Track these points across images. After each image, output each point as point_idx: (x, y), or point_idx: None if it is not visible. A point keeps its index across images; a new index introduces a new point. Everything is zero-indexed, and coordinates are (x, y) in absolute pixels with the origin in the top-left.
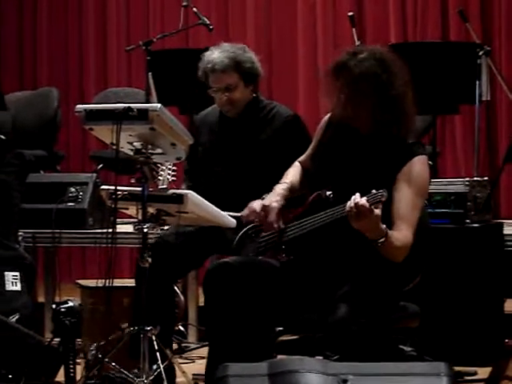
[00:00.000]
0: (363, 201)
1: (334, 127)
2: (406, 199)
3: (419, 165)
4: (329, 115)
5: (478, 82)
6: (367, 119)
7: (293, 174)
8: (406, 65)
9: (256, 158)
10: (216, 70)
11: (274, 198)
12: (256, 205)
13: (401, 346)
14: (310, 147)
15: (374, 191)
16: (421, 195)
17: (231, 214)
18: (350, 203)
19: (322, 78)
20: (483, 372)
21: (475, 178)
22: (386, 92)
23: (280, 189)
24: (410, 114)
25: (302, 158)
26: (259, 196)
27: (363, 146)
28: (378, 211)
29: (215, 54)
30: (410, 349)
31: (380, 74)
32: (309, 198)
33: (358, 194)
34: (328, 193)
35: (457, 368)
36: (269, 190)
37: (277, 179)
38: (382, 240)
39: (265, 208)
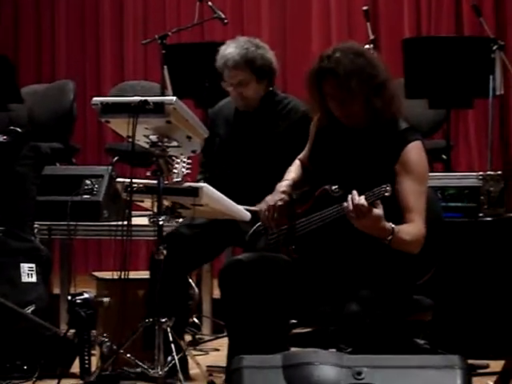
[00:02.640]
0: (362, 200)
1: (325, 127)
2: (409, 190)
3: (414, 152)
4: (318, 116)
5: (491, 76)
6: (362, 113)
7: (294, 171)
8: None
9: (272, 150)
10: (228, 66)
11: (277, 196)
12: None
13: (414, 339)
14: (307, 146)
15: (376, 189)
16: (422, 182)
17: (248, 207)
18: (348, 203)
19: (306, 86)
20: (495, 365)
21: (488, 172)
22: (373, 81)
23: (283, 186)
24: (397, 95)
25: (301, 155)
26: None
27: (357, 140)
28: (377, 211)
29: (228, 50)
30: (423, 342)
31: (364, 66)
32: (315, 193)
33: (355, 192)
34: (333, 187)
35: (469, 361)
36: None
37: None
38: (390, 238)
39: (269, 207)
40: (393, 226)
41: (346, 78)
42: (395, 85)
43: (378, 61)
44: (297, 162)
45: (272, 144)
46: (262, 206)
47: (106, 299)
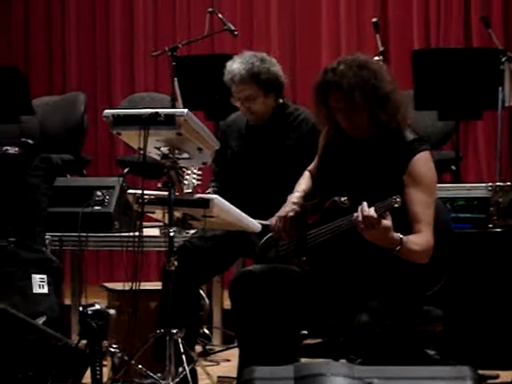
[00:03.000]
0: (371, 211)
1: (333, 138)
2: (418, 201)
3: (422, 162)
4: (326, 129)
5: (500, 88)
6: (366, 125)
7: (304, 182)
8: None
9: (284, 162)
10: (235, 81)
11: (288, 208)
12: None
13: (425, 350)
14: (316, 158)
15: (385, 200)
16: (431, 193)
17: (261, 221)
18: (358, 214)
19: (312, 99)
20: (505, 375)
21: (498, 183)
22: (377, 94)
23: (294, 198)
24: (402, 105)
25: (311, 166)
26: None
27: (365, 151)
28: (386, 222)
29: (234, 66)
30: (433, 352)
31: (367, 79)
32: (324, 205)
33: (365, 204)
34: (343, 199)
35: (479, 371)
36: None
37: None
38: (398, 248)
39: (281, 219)
40: (401, 236)
41: (349, 90)
42: (401, 95)
43: (384, 72)
44: (306, 174)
45: (283, 155)
46: (273, 220)
47: (112, 311)
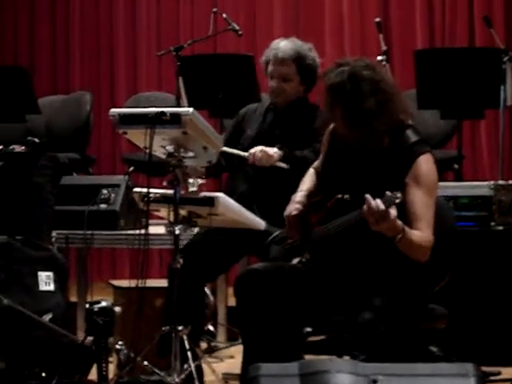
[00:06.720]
0: (380, 204)
1: (337, 139)
2: (419, 201)
3: (424, 164)
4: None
5: (502, 87)
6: (342, 130)
7: (309, 181)
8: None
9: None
10: (278, 57)
11: (292, 206)
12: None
13: (428, 347)
14: (321, 156)
15: (388, 193)
16: (432, 194)
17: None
18: (366, 207)
19: None
20: (507, 372)
21: (500, 182)
22: (353, 107)
23: (298, 197)
24: (380, 131)
25: (315, 164)
26: (293, 189)
27: (368, 152)
28: (393, 211)
29: (282, 43)
30: (436, 349)
31: (348, 89)
32: (327, 203)
33: (369, 197)
34: (345, 196)
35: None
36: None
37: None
38: (400, 236)
39: (285, 218)
40: (404, 225)
41: (327, 90)
42: (386, 121)
43: (379, 92)
44: (311, 171)
45: (294, 146)
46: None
47: (117, 308)
